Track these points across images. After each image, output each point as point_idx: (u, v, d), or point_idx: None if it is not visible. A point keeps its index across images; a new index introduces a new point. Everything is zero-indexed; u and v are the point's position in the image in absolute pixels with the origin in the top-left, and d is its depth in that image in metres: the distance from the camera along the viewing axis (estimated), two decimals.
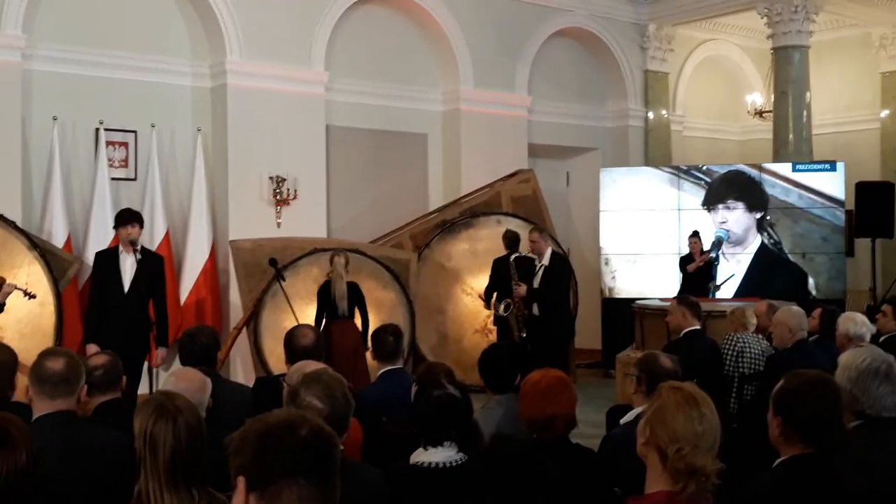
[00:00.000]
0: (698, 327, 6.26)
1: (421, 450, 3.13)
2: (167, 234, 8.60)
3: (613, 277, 11.13)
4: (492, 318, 9.16)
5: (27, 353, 3.81)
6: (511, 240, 8.88)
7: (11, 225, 7.38)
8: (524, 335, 8.41)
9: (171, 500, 2.47)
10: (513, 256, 8.63)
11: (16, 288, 6.57)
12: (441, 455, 3.10)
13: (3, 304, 6.50)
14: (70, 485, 2.89)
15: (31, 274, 7.11)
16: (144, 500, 2.50)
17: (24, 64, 8.04)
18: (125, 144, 8.74)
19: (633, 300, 9.53)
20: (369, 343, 7.79)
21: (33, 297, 6.78)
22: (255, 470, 1.82)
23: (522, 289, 8.42)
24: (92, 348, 6.05)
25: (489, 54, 10.91)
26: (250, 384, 6.07)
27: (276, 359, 8.19)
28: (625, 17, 12.24)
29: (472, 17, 10.75)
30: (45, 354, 3.27)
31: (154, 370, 7.30)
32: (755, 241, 10.98)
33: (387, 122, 10.41)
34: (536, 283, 8.49)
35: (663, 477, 2.44)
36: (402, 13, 10.50)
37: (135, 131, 8.75)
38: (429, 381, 3.27)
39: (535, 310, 8.47)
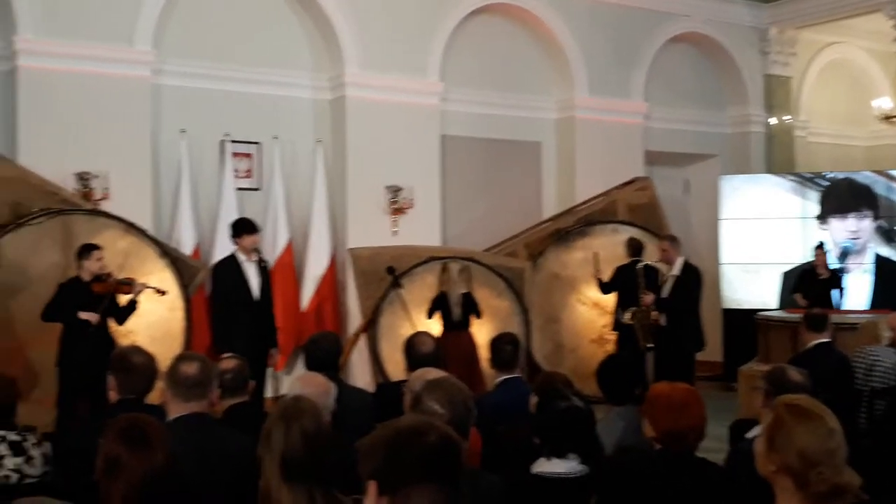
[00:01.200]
0: (827, 340, 6.05)
1: (543, 459, 3.12)
2: (290, 242, 8.82)
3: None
4: (609, 327, 9.07)
5: (158, 356, 3.96)
6: (634, 247, 8.79)
7: (143, 233, 7.71)
8: (650, 345, 8.29)
9: (289, 495, 2.53)
10: (640, 264, 8.52)
11: (146, 286, 6.86)
12: (563, 466, 3.08)
13: (137, 302, 6.81)
14: (203, 485, 2.98)
15: (161, 280, 7.39)
16: (265, 493, 2.57)
17: (153, 79, 8.38)
18: (249, 156, 9.02)
19: (755, 311, 9.26)
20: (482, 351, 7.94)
21: (164, 293, 7.07)
22: (385, 474, 1.86)
23: (650, 297, 8.30)
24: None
25: (604, 62, 10.81)
26: (365, 388, 6.18)
27: (393, 364, 8.32)
28: (744, 21, 11.95)
29: (586, 25, 10.68)
30: (180, 359, 3.40)
31: (276, 373, 7.51)
32: (872, 251, 10.53)
33: (501, 131, 10.43)
34: (666, 292, 8.36)
35: (796, 499, 2.34)
36: (516, 22, 10.52)
37: (258, 143, 9.02)
38: (552, 392, 3.25)
39: (663, 320, 8.35)
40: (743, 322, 9.68)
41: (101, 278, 6.68)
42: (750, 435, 3.89)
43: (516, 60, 10.57)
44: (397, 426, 1.95)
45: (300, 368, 8.60)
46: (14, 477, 3.61)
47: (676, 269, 8.47)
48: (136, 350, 3.89)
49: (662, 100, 11.44)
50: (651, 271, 8.59)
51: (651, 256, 8.86)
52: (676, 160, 11.96)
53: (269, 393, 7.69)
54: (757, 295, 10.62)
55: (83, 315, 6.49)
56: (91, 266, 6.66)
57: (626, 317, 8.48)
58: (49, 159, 7.59)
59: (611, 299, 9.00)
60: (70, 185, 7.66)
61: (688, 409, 3.31)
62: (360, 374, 8.82)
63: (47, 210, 7.28)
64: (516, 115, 10.55)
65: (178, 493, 2.65)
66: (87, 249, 6.71)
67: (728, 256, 10.92)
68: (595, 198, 10.29)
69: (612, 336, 9.05)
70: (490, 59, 10.36)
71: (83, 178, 7.74)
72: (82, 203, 7.58)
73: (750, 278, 10.80)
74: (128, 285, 6.77)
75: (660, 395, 3.37)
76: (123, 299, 6.79)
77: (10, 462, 3.63)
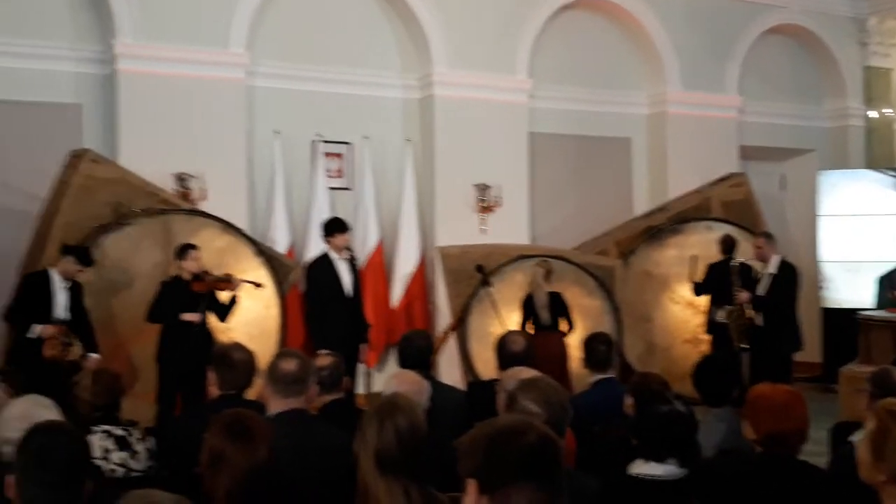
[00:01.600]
0: None
1: (641, 461, 3.08)
2: (380, 241, 8.90)
3: (826, 287, 10.54)
4: (703, 327, 8.90)
5: (255, 353, 4.04)
6: (727, 245, 8.62)
7: (239, 232, 7.88)
8: (744, 346, 8.10)
9: (385, 490, 2.55)
10: (735, 262, 8.35)
11: (244, 281, 7.01)
12: (661, 469, 3.04)
13: (237, 298, 6.97)
14: (302, 480, 3.03)
15: (257, 279, 7.52)
16: (362, 488, 2.60)
17: (247, 81, 8.55)
18: (340, 156, 9.14)
19: (855, 311, 8.96)
20: (570, 346, 7.87)
21: (261, 286, 7.23)
22: (485, 473, 1.86)
23: (745, 295, 8.12)
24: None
25: (697, 55, 10.61)
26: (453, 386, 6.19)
27: (482, 363, 8.32)
28: (842, 11, 11.59)
29: (678, 18, 10.50)
30: (279, 356, 3.47)
31: (368, 370, 7.57)
32: None
33: (590, 128, 10.33)
34: (762, 290, 8.17)
35: None
36: (605, 17, 10.41)
37: (349, 143, 9.13)
38: (651, 395, 3.21)
39: (759, 320, 8.16)
40: (843, 322, 9.38)
41: (199, 277, 6.85)
42: (853, 438, 3.77)
43: (606, 55, 10.46)
44: (496, 425, 1.95)
45: (391, 366, 8.68)
46: (120, 471, 3.72)
47: (773, 266, 8.27)
48: (237, 347, 3.98)
49: (758, 93, 11.16)
50: (746, 269, 8.40)
51: (745, 254, 8.67)
52: (772, 155, 11.67)
53: (360, 389, 7.77)
54: (857, 293, 10.28)
55: (186, 316, 6.68)
56: (189, 266, 6.84)
57: (721, 315, 8.31)
58: (148, 161, 7.81)
59: (704, 299, 8.83)
60: (169, 186, 7.88)
61: (790, 411, 3.23)
62: (449, 373, 8.83)
63: (148, 210, 7.50)
64: (606, 110, 10.43)
65: (280, 487, 2.70)
66: (184, 250, 6.90)
67: (827, 254, 10.61)
68: (688, 194, 10.11)
69: (706, 336, 8.87)
70: (579, 54, 10.27)
71: (181, 178, 7.95)
72: (181, 203, 7.78)
73: (850, 277, 10.46)
74: (226, 282, 6.93)
75: (761, 396, 3.29)
76: (223, 296, 6.96)
77: (116, 456, 3.74)
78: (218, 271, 7.11)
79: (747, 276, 8.34)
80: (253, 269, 7.73)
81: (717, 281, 8.48)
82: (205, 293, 6.80)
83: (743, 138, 10.97)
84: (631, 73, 10.64)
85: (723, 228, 9.40)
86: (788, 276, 8.27)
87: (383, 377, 8.33)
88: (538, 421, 2.24)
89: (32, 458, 2.43)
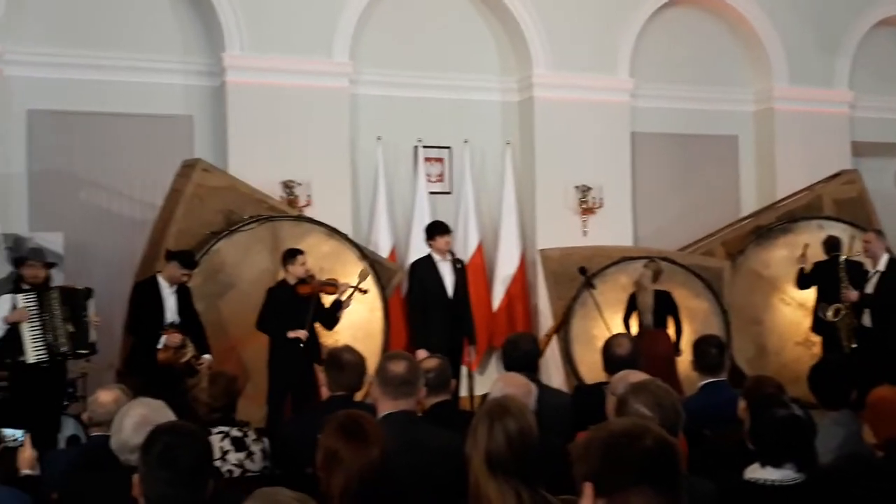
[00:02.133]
0: None
1: (757, 466, 3.01)
2: (480, 244, 8.93)
3: None
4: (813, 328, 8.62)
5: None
6: (830, 245, 8.37)
7: (344, 237, 8.01)
8: (854, 346, 7.82)
9: (496, 491, 2.55)
10: (843, 258, 8.08)
11: (349, 286, 7.12)
12: (779, 473, 2.96)
13: (342, 303, 7.06)
14: (412, 481, 3.06)
15: (362, 283, 7.62)
16: (474, 488, 2.60)
17: (351, 89, 8.70)
18: (440, 160, 9.21)
19: None
20: (682, 352, 7.74)
21: (365, 292, 7.33)
22: (602, 476, 1.84)
23: (853, 294, 7.84)
24: (422, 353, 6.31)
25: (805, 49, 10.31)
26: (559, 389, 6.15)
27: (585, 366, 8.26)
28: None
29: (784, 12, 10.22)
30: (388, 358, 3.50)
31: (471, 372, 7.59)
32: None
33: (694, 126, 10.16)
34: (870, 289, 7.88)
35: None
36: (708, 12, 10.22)
37: (449, 147, 9.19)
38: (768, 399, 3.12)
39: (866, 320, 7.86)
40: None
41: (305, 280, 6.98)
42: None
43: (709, 52, 10.26)
44: (612, 428, 1.93)
45: (492, 368, 8.70)
46: (237, 471, 3.82)
47: (882, 264, 7.96)
48: (347, 349, 4.05)
49: (870, 87, 10.77)
50: (855, 266, 8.10)
51: (852, 253, 8.36)
52: (887, 151, 11.22)
53: (463, 391, 7.80)
54: None
55: (291, 334, 6.79)
56: (296, 271, 6.97)
57: (829, 314, 8.04)
58: (257, 169, 8.02)
59: (812, 298, 8.56)
60: (276, 193, 8.07)
61: None
62: (550, 376, 8.78)
63: (257, 217, 7.68)
64: (710, 108, 10.24)
65: (392, 487, 2.73)
66: (292, 255, 7.03)
67: None
68: (798, 193, 9.81)
69: (817, 338, 8.59)
70: (681, 52, 10.10)
71: (288, 185, 8.14)
72: (288, 210, 7.96)
73: None
74: (332, 286, 7.05)
75: (883, 399, 3.19)
76: (328, 300, 7.07)
77: (233, 457, 3.84)
78: (323, 276, 7.24)
79: (857, 273, 8.04)
80: (358, 274, 7.83)
81: (825, 279, 8.21)
82: (310, 296, 6.92)
83: (855, 134, 10.60)
84: (736, 69, 10.41)
85: (835, 227, 9.10)
86: None
87: (485, 379, 8.35)
88: (653, 424, 2.21)
89: (157, 458, 2.47)
